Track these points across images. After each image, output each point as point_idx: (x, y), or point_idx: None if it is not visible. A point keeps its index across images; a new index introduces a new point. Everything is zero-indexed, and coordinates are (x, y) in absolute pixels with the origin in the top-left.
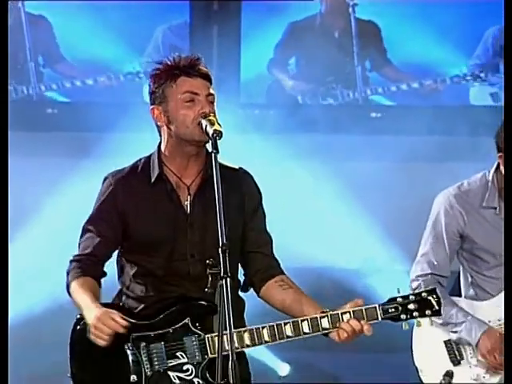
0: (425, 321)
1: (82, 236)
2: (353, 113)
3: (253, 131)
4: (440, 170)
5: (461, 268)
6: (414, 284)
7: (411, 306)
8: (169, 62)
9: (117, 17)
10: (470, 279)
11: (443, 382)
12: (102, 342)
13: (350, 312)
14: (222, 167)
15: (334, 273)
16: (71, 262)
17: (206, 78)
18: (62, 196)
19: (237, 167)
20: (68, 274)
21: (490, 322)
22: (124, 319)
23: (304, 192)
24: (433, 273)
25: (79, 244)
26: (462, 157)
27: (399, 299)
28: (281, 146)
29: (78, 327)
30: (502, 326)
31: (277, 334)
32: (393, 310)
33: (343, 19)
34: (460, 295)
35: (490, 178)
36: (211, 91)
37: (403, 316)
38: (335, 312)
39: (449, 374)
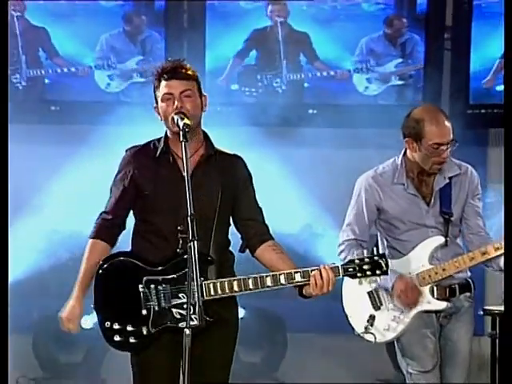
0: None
1: (110, 194)
2: (296, 111)
3: (218, 125)
4: (370, 155)
5: (378, 234)
6: (341, 247)
7: (365, 267)
8: (158, 69)
9: (81, 26)
10: (386, 243)
11: (367, 323)
12: (65, 329)
13: (318, 269)
14: (221, 152)
15: (277, 237)
16: (100, 214)
17: (182, 78)
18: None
19: (232, 153)
20: (94, 223)
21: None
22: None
23: (253, 171)
24: (356, 238)
25: (108, 201)
26: (385, 145)
27: (357, 261)
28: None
29: (102, 269)
30: (412, 276)
31: (259, 283)
32: (351, 269)
33: (285, 30)
34: None
35: (399, 161)
36: (187, 87)
37: (359, 274)
38: (306, 269)
39: (372, 317)
